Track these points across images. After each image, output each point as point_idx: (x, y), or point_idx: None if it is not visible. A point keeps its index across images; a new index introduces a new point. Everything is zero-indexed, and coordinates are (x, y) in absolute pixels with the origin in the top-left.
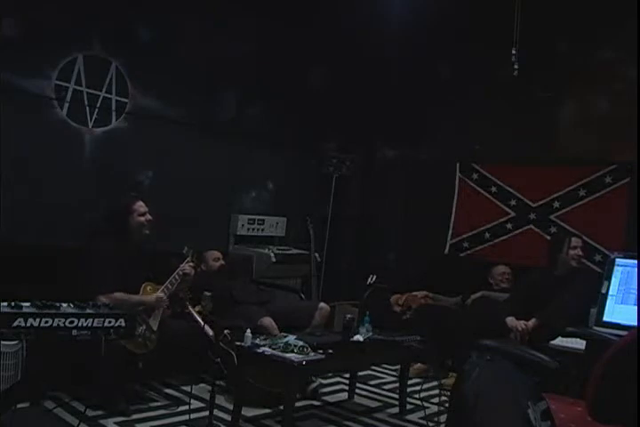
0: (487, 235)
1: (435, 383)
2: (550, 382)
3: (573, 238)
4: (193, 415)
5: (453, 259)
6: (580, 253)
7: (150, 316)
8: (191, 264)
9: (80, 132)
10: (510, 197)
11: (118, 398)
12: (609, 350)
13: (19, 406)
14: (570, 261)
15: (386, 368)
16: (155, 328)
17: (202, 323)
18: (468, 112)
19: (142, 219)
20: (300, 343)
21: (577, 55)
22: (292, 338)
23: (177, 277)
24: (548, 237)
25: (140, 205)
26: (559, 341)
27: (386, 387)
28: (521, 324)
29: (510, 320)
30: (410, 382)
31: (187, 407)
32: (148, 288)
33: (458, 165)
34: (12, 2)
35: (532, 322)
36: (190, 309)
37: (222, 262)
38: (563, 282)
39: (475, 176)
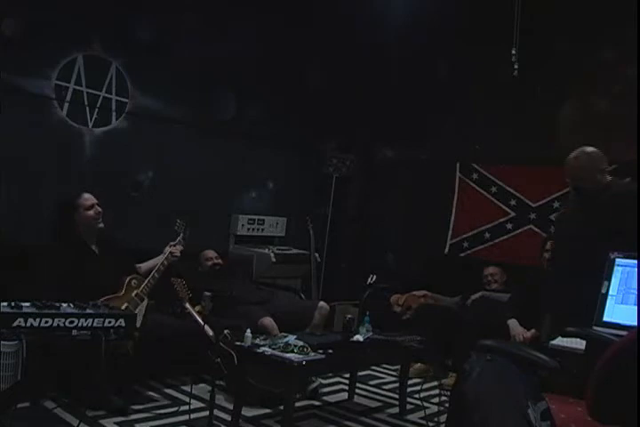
0: (487, 235)
1: (435, 383)
2: (550, 382)
3: (549, 242)
4: (193, 415)
5: (453, 259)
6: (550, 257)
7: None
8: (181, 247)
9: (80, 132)
10: (510, 197)
11: (113, 397)
12: (609, 350)
13: (19, 406)
14: (544, 264)
15: (386, 368)
16: (137, 324)
17: (202, 323)
18: (468, 112)
19: (90, 213)
20: (300, 343)
21: (577, 55)
22: (292, 338)
23: (165, 262)
24: None
25: (86, 199)
26: (559, 341)
27: (386, 387)
28: (519, 335)
29: (512, 324)
30: (410, 382)
31: (187, 407)
32: (133, 282)
33: (458, 165)
34: (12, 2)
35: (530, 333)
36: (190, 309)
37: (215, 262)
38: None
39: (475, 176)
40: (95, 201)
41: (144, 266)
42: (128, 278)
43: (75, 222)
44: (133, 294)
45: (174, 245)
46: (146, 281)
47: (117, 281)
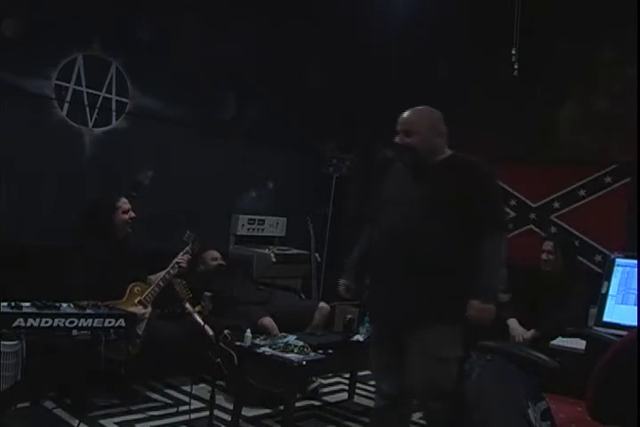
0: None
1: None
2: (550, 382)
3: (545, 242)
4: (193, 415)
5: None
6: (546, 257)
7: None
8: (189, 255)
9: (80, 132)
10: (510, 197)
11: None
12: (609, 350)
13: (19, 406)
14: (542, 264)
15: None
16: (140, 332)
17: (202, 323)
18: (468, 112)
19: (126, 216)
20: (300, 343)
21: (577, 55)
22: (292, 338)
23: (172, 271)
24: None
25: (124, 202)
26: (559, 341)
27: None
28: (519, 336)
29: (512, 324)
30: None
31: (187, 407)
32: (136, 289)
33: None
34: (12, 2)
35: (530, 333)
36: (190, 309)
37: (220, 262)
38: (553, 284)
39: None
40: (130, 206)
41: (154, 277)
42: (131, 285)
43: (113, 223)
44: (136, 301)
45: (182, 255)
46: (150, 289)
47: (123, 287)
